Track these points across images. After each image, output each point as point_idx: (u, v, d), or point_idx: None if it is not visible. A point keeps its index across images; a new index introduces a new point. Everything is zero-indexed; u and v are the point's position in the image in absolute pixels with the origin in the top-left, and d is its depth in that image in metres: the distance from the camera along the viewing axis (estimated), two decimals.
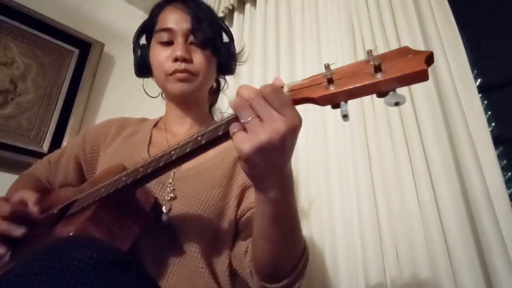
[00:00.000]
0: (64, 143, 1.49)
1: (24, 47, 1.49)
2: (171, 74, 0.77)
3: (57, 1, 1.66)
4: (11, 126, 1.40)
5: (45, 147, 1.45)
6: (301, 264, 0.58)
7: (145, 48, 0.85)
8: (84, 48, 1.66)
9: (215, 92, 0.96)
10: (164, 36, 0.79)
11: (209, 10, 0.85)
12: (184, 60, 0.76)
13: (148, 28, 0.87)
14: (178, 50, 0.76)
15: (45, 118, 1.48)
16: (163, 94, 0.90)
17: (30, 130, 1.44)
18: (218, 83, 0.97)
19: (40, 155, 1.42)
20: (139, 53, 0.85)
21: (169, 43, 0.79)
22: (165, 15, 0.81)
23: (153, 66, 0.82)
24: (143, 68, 0.85)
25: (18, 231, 0.61)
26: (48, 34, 1.56)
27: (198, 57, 0.79)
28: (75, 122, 1.54)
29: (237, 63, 0.92)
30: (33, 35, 1.52)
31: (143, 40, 0.89)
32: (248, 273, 0.64)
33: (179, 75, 0.77)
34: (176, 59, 0.76)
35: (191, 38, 0.79)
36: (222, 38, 0.87)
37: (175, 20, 0.79)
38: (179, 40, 0.78)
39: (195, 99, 0.85)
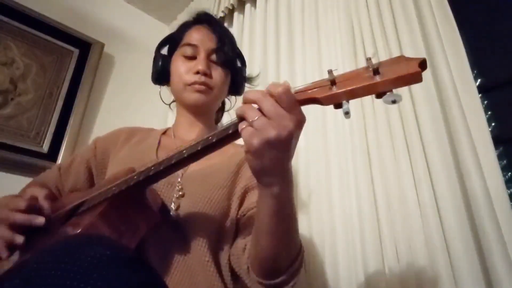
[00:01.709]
0: (64, 143, 1.50)
1: (24, 47, 1.49)
2: (190, 85, 0.84)
3: (57, 1, 1.66)
4: (11, 126, 1.40)
5: (45, 147, 1.46)
6: (297, 262, 0.61)
7: (166, 59, 0.91)
8: (84, 48, 1.66)
9: (219, 111, 1.02)
10: (189, 51, 0.86)
11: (231, 36, 0.94)
12: (204, 74, 0.83)
13: (173, 41, 0.93)
14: (201, 64, 0.83)
15: (45, 118, 1.48)
16: (176, 102, 0.95)
17: (30, 130, 1.44)
18: (223, 103, 1.03)
19: (40, 155, 1.42)
20: (160, 62, 0.91)
21: (192, 57, 0.86)
22: (192, 33, 0.89)
23: (173, 75, 0.88)
24: (161, 76, 0.92)
25: (39, 219, 0.63)
26: (48, 34, 1.56)
27: (217, 74, 0.86)
28: (75, 122, 1.54)
29: (249, 86, 0.99)
30: (33, 35, 1.53)
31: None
32: (245, 269, 0.66)
33: (197, 86, 0.83)
34: (197, 72, 0.83)
35: (213, 56, 0.87)
36: (237, 63, 0.95)
37: (201, 38, 0.87)
38: (202, 56, 0.85)
39: (206, 110, 0.91)
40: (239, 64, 0.95)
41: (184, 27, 0.93)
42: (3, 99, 1.40)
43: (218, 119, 1.03)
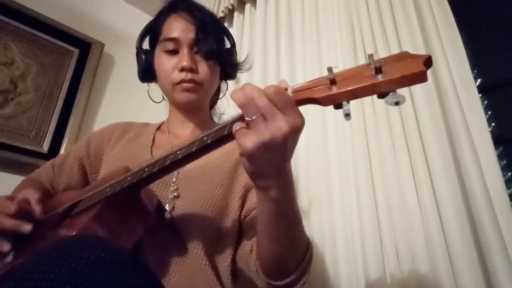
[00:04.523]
0: (64, 143, 1.50)
1: (24, 47, 1.49)
2: (177, 84, 0.79)
3: (57, 1, 1.66)
4: (11, 126, 1.40)
5: (45, 147, 1.46)
6: (305, 261, 0.59)
7: (149, 54, 0.86)
8: (84, 48, 1.66)
9: (214, 95, 0.97)
10: (170, 46, 0.80)
11: (212, 18, 0.87)
12: (190, 70, 0.78)
13: (152, 35, 0.87)
14: (184, 60, 0.77)
15: (45, 118, 1.48)
16: (165, 97, 0.91)
17: (30, 130, 1.44)
18: (218, 87, 0.98)
19: (40, 155, 1.42)
20: (143, 59, 0.86)
21: (174, 51, 0.80)
22: (170, 24, 0.82)
23: (159, 74, 0.83)
24: (147, 74, 0.86)
25: (26, 226, 0.62)
26: (48, 34, 1.56)
27: (203, 67, 0.80)
28: (75, 122, 1.54)
29: (240, 71, 0.93)
30: (33, 35, 1.52)
31: (146, 45, 0.89)
32: (254, 271, 0.65)
33: (185, 85, 0.78)
34: (182, 69, 0.78)
35: (196, 48, 0.80)
36: (225, 45, 0.88)
37: (180, 29, 0.80)
38: (185, 50, 0.79)
39: (199, 105, 0.87)
40: (228, 45, 0.89)
41: (162, 17, 0.85)
42: (3, 99, 1.40)
43: (213, 102, 0.99)
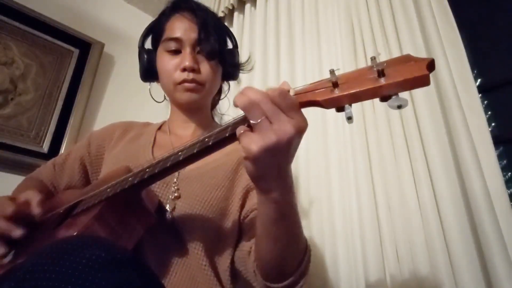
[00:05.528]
0: (64, 143, 1.50)
1: (24, 47, 1.49)
2: (179, 83, 0.79)
3: (57, 1, 1.66)
4: (11, 126, 1.40)
5: (45, 147, 1.46)
6: (304, 263, 0.59)
7: (151, 54, 0.86)
8: (84, 48, 1.66)
9: (216, 96, 0.97)
10: (172, 45, 0.80)
11: (215, 18, 0.87)
12: (192, 70, 0.78)
13: (154, 35, 0.88)
14: (187, 60, 0.78)
15: (45, 118, 1.48)
16: (167, 98, 0.91)
17: (30, 130, 1.44)
18: (220, 87, 0.98)
19: (40, 155, 1.42)
20: (145, 59, 0.86)
21: (177, 51, 0.80)
22: (173, 24, 0.82)
23: (161, 74, 0.83)
24: (149, 73, 0.87)
25: (17, 232, 0.61)
26: (48, 34, 1.56)
27: (205, 67, 0.80)
28: (75, 122, 1.54)
29: (241, 72, 0.93)
30: (33, 35, 1.52)
31: (148, 44, 0.89)
32: (252, 273, 0.65)
33: (187, 85, 0.78)
34: (184, 69, 0.78)
35: (198, 48, 0.80)
36: (227, 45, 0.88)
37: (183, 29, 0.80)
38: (187, 50, 0.79)
39: (200, 106, 0.87)
40: (230, 45, 0.89)
41: (165, 17, 0.85)
42: (3, 99, 1.40)
43: (215, 103, 0.99)
